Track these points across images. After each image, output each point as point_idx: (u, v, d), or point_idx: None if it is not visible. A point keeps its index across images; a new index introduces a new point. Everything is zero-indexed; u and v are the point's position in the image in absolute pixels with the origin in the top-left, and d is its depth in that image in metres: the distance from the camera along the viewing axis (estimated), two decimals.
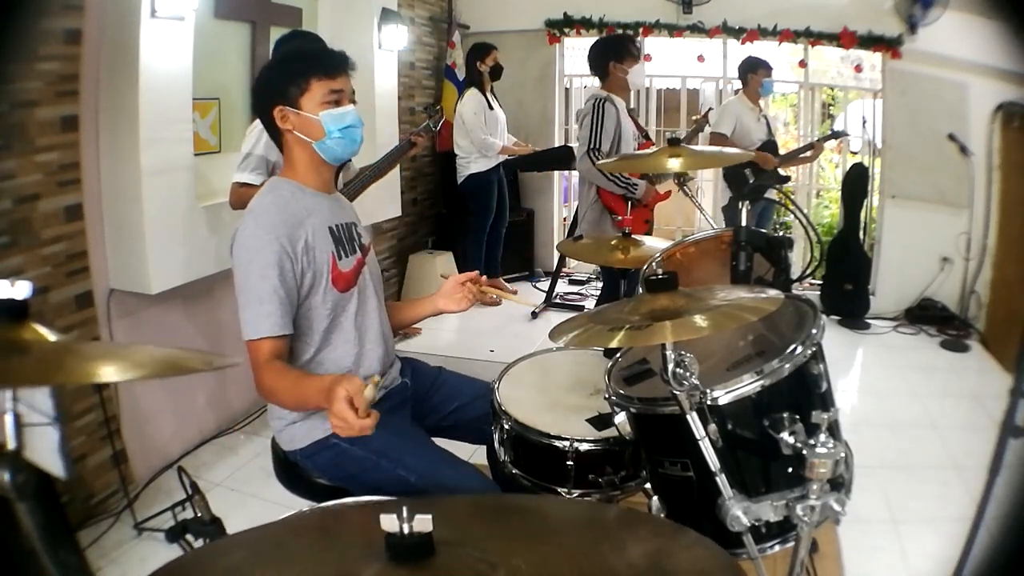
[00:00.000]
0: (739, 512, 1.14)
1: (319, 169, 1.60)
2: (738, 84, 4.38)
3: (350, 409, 1.17)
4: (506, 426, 1.59)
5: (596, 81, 3.48)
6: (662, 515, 1.31)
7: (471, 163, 4.52)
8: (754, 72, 4.17)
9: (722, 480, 1.15)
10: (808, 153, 4.28)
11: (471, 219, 4.69)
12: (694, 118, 4.49)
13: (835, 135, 4.49)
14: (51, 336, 0.76)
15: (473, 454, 1.94)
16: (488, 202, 4.62)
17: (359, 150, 1.64)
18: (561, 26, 5.08)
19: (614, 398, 1.37)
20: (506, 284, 4.95)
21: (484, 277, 1.76)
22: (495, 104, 4.59)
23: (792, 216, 4.34)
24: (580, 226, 3.49)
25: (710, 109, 4.40)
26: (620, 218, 3.24)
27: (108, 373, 0.77)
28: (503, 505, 1.22)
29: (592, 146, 3.22)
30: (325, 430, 1.52)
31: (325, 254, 1.53)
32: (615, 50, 3.36)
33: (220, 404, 3.13)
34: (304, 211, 1.53)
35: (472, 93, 4.49)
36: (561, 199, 5.69)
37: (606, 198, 3.35)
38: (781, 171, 4.23)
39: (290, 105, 1.52)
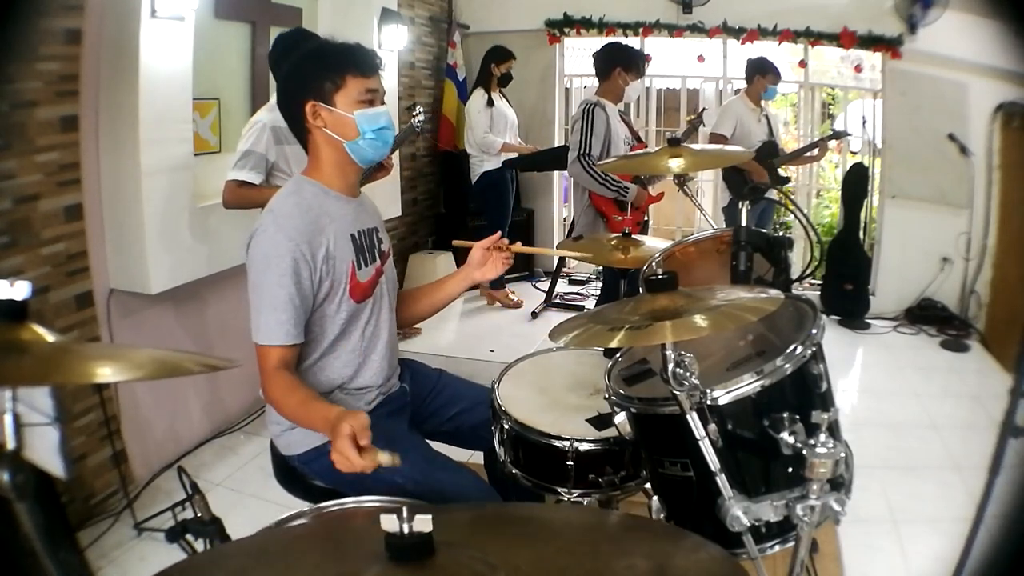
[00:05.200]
0: (739, 512, 1.14)
1: (346, 171, 1.54)
2: (738, 84, 4.36)
3: (353, 447, 1.17)
4: (506, 426, 1.59)
5: (596, 81, 3.50)
6: (662, 515, 1.31)
7: (483, 161, 4.53)
8: (763, 75, 4.13)
9: (722, 480, 1.14)
10: (814, 152, 4.28)
11: (487, 218, 4.67)
12: (689, 118, 4.50)
13: (836, 135, 4.48)
14: (50, 336, 0.76)
15: (472, 455, 1.94)
16: (505, 199, 4.62)
17: (388, 154, 1.61)
18: (561, 26, 5.08)
19: (614, 398, 1.36)
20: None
21: (506, 239, 1.70)
22: (503, 103, 4.60)
23: (792, 216, 4.32)
24: (576, 229, 3.53)
25: (704, 109, 4.39)
26: (618, 219, 3.25)
27: (106, 373, 0.77)
28: (503, 515, 1.20)
29: (582, 151, 3.25)
30: (322, 436, 1.50)
31: (345, 263, 1.50)
32: (625, 59, 3.40)
33: (220, 404, 3.12)
34: (327, 217, 1.49)
35: (479, 93, 4.52)
36: (561, 199, 5.69)
37: (597, 202, 3.37)
38: (781, 171, 4.23)
39: (324, 101, 1.46)
